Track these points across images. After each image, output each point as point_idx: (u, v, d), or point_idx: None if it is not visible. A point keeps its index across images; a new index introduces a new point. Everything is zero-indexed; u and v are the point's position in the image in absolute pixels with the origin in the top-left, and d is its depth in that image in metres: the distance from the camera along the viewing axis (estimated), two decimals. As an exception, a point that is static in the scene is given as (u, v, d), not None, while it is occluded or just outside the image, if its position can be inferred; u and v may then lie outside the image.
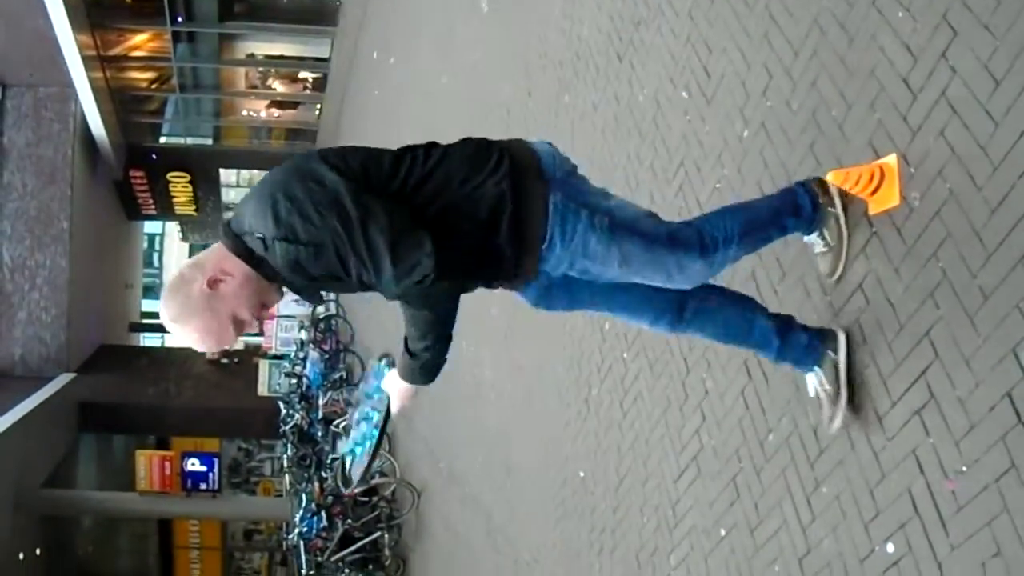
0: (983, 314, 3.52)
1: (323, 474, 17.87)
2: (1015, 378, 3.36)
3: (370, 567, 16.34)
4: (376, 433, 4.04)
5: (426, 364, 3.75)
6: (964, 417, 3.58)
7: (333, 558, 16.20)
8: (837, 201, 4.19)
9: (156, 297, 59.59)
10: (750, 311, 4.28)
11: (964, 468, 3.58)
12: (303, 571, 16.54)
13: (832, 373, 4.24)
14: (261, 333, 31.20)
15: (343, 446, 4.41)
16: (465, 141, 3.63)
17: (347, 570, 15.85)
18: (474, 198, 3.47)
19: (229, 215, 3.57)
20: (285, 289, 3.54)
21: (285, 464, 21.47)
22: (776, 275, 4.99)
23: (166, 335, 34.44)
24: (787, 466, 4.82)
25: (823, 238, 4.31)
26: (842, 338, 4.23)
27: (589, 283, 3.90)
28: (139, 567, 35.88)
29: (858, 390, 4.19)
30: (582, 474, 7.72)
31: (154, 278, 60.93)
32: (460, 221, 3.47)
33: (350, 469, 4.19)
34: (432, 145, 3.60)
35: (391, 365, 4.01)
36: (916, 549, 3.84)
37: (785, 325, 4.25)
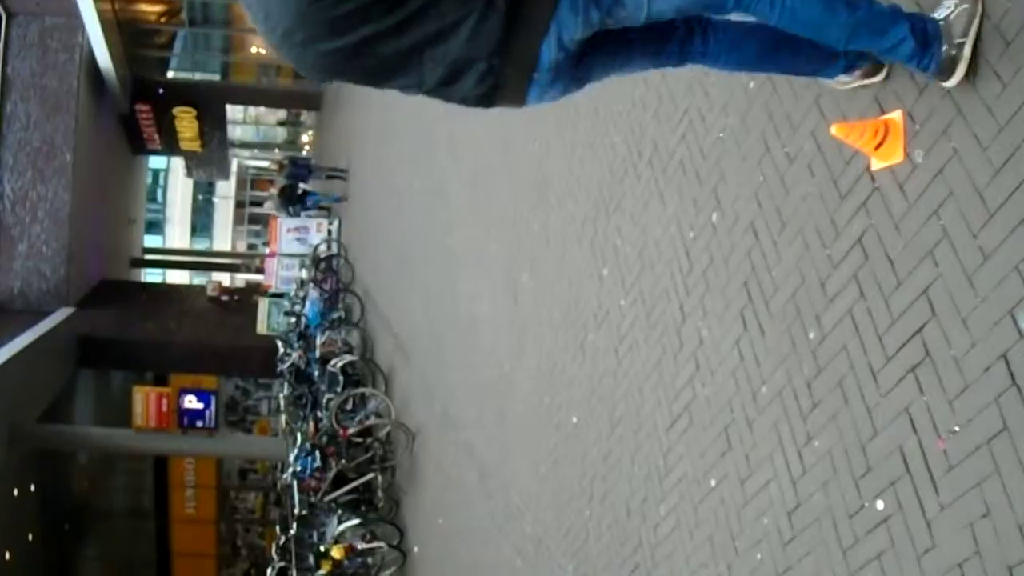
0: (982, 274, 3.48)
1: (318, 414, 17.89)
2: (1011, 340, 3.33)
3: (363, 508, 16.39)
4: None
5: None
6: (959, 377, 3.55)
7: (326, 498, 16.24)
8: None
9: (159, 233, 59.85)
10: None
11: (956, 428, 3.55)
12: (296, 511, 16.61)
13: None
14: (262, 272, 31.27)
15: None
16: None
17: (340, 511, 15.87)
18: None
19: None
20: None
21: (282, 403, 21.49)
22: (776, 226, 4.93)
23: (168, 272, 34.69)
24: (779, 419, 4.79)
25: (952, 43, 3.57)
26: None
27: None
28: (134, 504, 36.13)
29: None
30: (575, 420, 7.70)
31: (157, 214, 61.03)
32: None
33: None
34: None
35: None
36: (906, 507, 3.83)
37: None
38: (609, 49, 3.42)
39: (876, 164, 4.07)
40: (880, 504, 3.99)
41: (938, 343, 3.67)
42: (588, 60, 3.37)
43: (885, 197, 4.03)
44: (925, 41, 3.44)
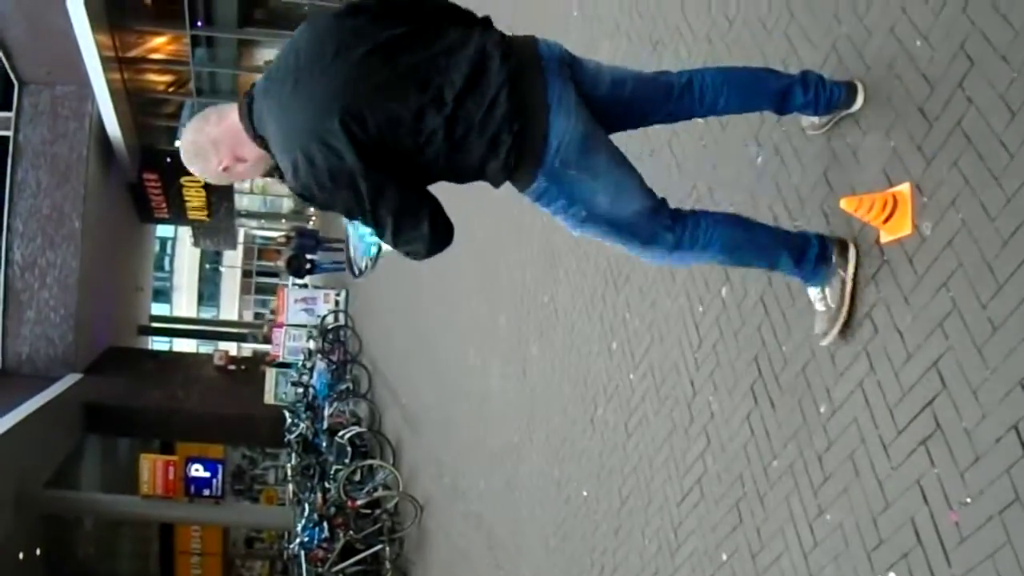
0: (992, 346, 3.50)
1: (326, 484, 17.86)
2: (1022, 410, 3.34)
3: (371, 580, 16.35)
4: (375, 245, 4.50)
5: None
6: (970, 448, 3.56)
7: (334, 569, 16.19)
8: (851, 268, 4.21)
9: (167, 301, 59.91)
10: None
11: (968, 499, 3.56)
12: (304, 582, 16.54)
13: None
14: (269, 342, 31.28)
15: (352, 234, 5.08)
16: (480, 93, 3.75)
17: (348, 582, 15.85)
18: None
19: (252, 90, 3.82)
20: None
21: (289, 473, 21.45)
22: (786, 301, 4.97)
23: (174, 340, 34.65)
24: (791, 492, 4.80)
25: (824, 296, 4.34)
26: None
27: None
28: (140, 571, 35.88)
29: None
30: (585, 493, 7.70)
31: (165, 282, 61.12)
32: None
33: (355, 256, 4.62)
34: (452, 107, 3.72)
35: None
36: (918, 579, 3.83)
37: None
38: None
39: (885, 237, 4.09)
40: (893, 576, 4.00)
41: (949, 415, 3.67)
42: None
43: (894, 270, 4.05)
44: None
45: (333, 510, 16.70)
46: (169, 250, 62.59)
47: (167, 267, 62.89)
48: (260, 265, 62.92)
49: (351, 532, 16.26)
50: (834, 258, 4.19)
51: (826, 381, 4.53)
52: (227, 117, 3.78)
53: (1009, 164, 3.46)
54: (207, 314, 63.79)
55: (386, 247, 4.31)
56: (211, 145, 3.78)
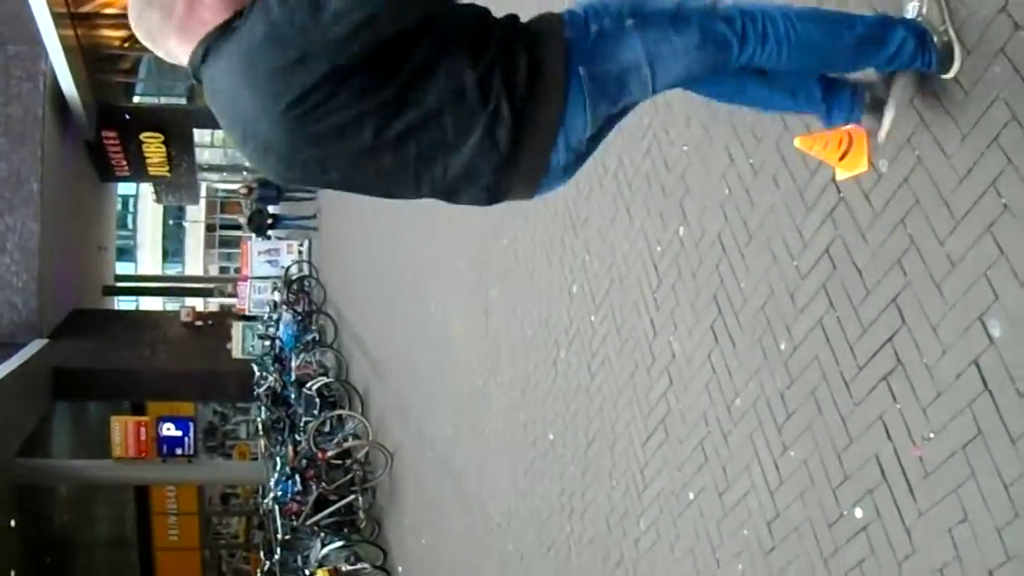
0: (950, 282, 3.48)
1: (296, 437, 17.82)
2: (982, 346, 3.33)
3: (345, 530, 16.33)
4: None
5: None
6: (931, 384, 3.56)
7: (308, 522, 16.18)
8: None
9: (131, 260, 59.57)
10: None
11: (931, 435, 3.55)
12: (279, 535, 16.52)
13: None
14: (235, 296, 31.15)
15: None
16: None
17: (323, 534, 15.80)
18: None
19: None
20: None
21: (260, 427, 21.41)
22: (743, 238, 4.93)
23: (140, 299, 34.31)
24: (755, 430, 4.79)
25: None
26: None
27: None
28: (116, 535, 35.82)
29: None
30: (551, 436, 7.69)
31: (129, 240, 60.75)
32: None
33: None
34: None
35: None
36: (884, 515, 3.83)
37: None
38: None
39: (841, 175, 4.06)
40: (859, 512, 3.99)
41: (909, 351, 3.67)
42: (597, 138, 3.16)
43: (851, 207, 4.03)
44: (922, 37, 3.40)
45: (304, 462, 16.65)
46: (131, 208, 62.14)
47: (130, 225, 62.47)
48: (223, 218, 62.50)
49: (323, 484, 16.25)
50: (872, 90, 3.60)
51: (786, 318, 4.50)
52: None
53: (964, 101, 3.42)
54: (172, 271, 63.52)
55: None
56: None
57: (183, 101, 34.76)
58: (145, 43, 2.97)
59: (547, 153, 3.02)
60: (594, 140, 3.11)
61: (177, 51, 2.91)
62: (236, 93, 2.82)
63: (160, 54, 2.97)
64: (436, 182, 3.05)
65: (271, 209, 28.52)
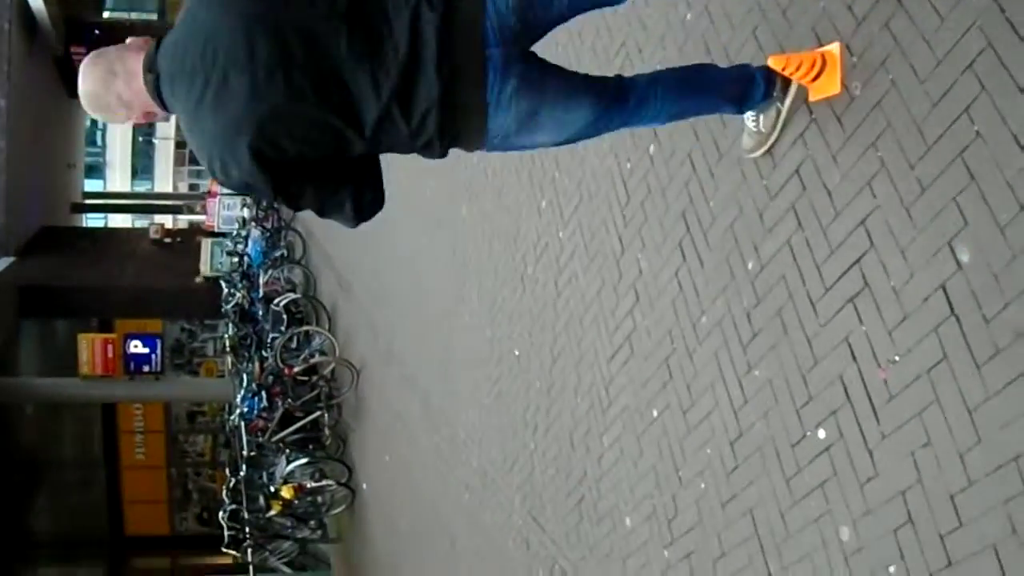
0: (920, 206, 3.46)
1: (263, 353, 17.80)
2: (949, 270, 3.32)
3: (311, 447, 16.39)
4: None
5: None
6: (898, 307, 3.55)
7: (274, 439, 16.22)
8: (788, 101, 4.09)
9: (100, 177, 59.09)
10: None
11: (896, 358, 3.55)
12: (245, 452, 16.56)
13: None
14: (205, 212, 30.97)
15: None
16: None
17: (288, 450, 15.84)
18: None
19: (156, 65, 3.49)
20: None
21: (227, 344, 21.36)
22: (713, 157, 4.88)
23: (109, 216, 34.13)
24: (720, 348, 4.77)
25: (757, 121, 4.22)
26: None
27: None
28: (84, 453, 35.84)
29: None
30: (517, 353, 7.68)
31: (98, 157, 60.20)
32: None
33: None
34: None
35: None
36: (847, 436, 3.83)
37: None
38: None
39: (813, 95, 4.04)
40: (822, 433, 3.98)
41: (877, 274, 3.65)
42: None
43: (822, 128, 4.00)
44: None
45: (271, 379, 16.66)
46: (100, 125, 61.54)
47: (99, 142, 61.87)
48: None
49: (289, 400, 16.28)
50: (775, 92, 4.06)
51: (754, 237, 4.47)
52: (135, 77, 3.43)
53: (940, 26, 3.39)
54: (141, 188, 63.12)
55: None
56: (121, 105, 3.49)
57: (154, 16, 34.40)
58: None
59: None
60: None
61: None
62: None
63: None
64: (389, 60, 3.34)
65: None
